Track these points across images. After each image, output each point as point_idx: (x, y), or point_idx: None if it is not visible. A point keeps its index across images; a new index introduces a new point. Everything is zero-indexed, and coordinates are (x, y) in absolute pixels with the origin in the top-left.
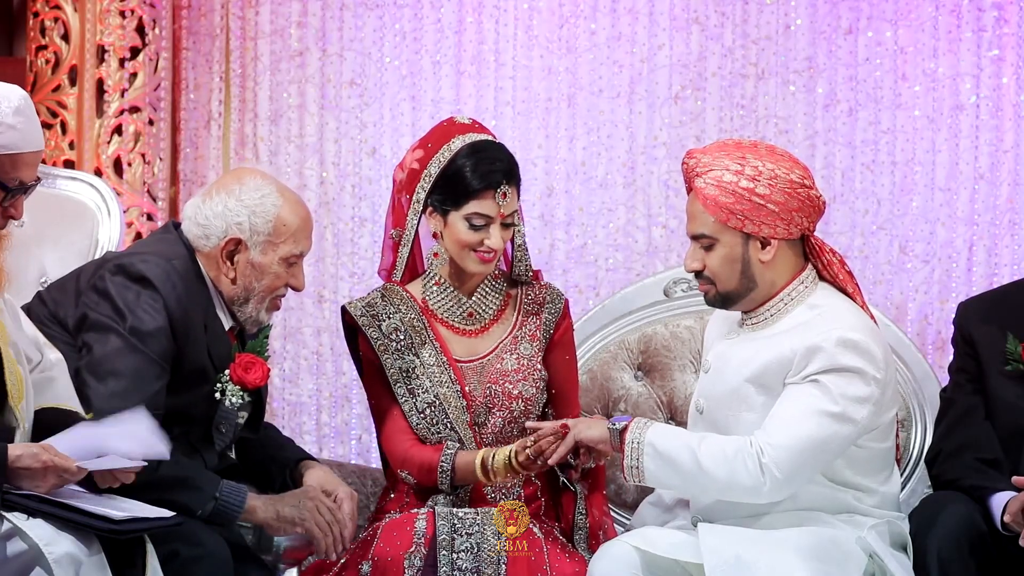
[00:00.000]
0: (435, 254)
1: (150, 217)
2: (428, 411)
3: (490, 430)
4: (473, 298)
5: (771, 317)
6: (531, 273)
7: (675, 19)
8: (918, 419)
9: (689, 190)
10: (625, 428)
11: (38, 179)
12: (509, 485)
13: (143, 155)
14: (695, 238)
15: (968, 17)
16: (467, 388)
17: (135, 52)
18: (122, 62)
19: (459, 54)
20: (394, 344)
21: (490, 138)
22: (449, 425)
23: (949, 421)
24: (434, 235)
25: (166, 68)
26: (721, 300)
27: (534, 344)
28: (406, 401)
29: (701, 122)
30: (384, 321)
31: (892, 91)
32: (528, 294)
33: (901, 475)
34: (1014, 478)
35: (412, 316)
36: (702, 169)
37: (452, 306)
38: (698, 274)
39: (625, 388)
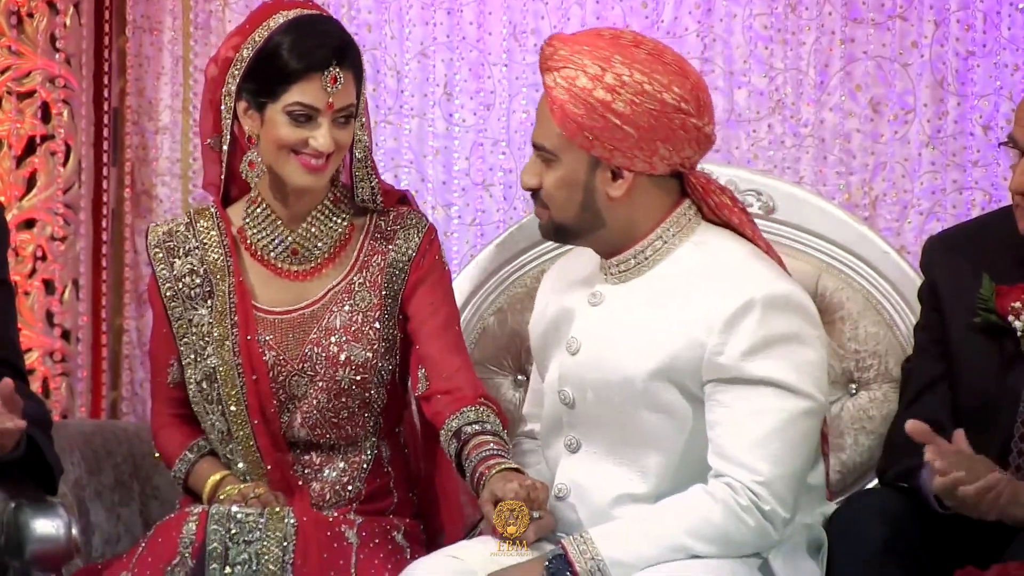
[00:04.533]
0: (250, 163)
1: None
2: (205, 384)
3: (309, 407)
4: (300, 228)
5: (645, 261)
6: (380, 198)
7: None
8: None
9: None
10: (569, 562)
11: None
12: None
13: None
14: (536, 148)
15: None
16: (270, 354)
17: None
18: None
19: None
20: (185, 291)
21: (322, 14)
22: (221, 409)
23: (907, 399)
24: (248, 140)
25: None
26: (555, 232)
27: (374, 292)
28: (190, 364)
29: None
30: (179, 259)
31: None
32: (378, 225)
33: None
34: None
35: (216, 255)
36: (557, 63)
37: (272, 238)
38: (534, 193)
39: None
